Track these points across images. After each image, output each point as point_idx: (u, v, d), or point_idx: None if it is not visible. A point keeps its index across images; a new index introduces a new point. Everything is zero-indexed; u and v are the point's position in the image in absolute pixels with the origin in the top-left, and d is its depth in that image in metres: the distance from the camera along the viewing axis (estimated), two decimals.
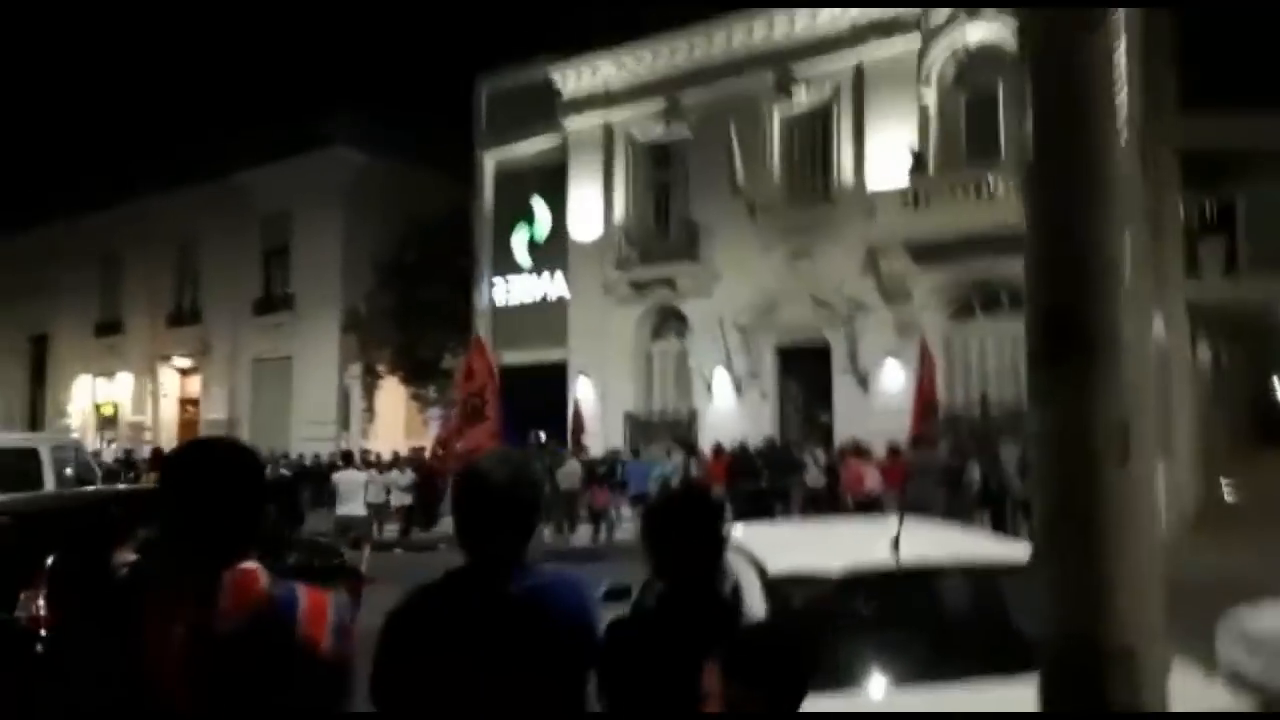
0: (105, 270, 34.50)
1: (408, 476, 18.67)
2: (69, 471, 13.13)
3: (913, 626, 3.59)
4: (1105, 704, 1.34)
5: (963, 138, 18.61)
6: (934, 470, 14.62)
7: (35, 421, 36.94)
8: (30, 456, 12.97)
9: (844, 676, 3.12)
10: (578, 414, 20.85)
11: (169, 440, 31.46)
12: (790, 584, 3.50)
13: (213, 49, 54.16)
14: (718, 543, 2.34)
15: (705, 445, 18.71)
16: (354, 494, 13.75)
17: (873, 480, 15.73)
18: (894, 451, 15.96)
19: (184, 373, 32.34)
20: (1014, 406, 17.41)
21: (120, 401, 33.74)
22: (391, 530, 17.78)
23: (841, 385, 19.43)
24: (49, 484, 12.70)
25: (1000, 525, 14.75)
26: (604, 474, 18.40)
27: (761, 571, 3.54)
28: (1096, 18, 1.39)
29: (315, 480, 24.23)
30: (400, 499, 17.95)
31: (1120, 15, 1.43)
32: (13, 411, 37.52)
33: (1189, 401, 17.56)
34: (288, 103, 46.32)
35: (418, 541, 17.37)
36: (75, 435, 33.50)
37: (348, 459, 15.12)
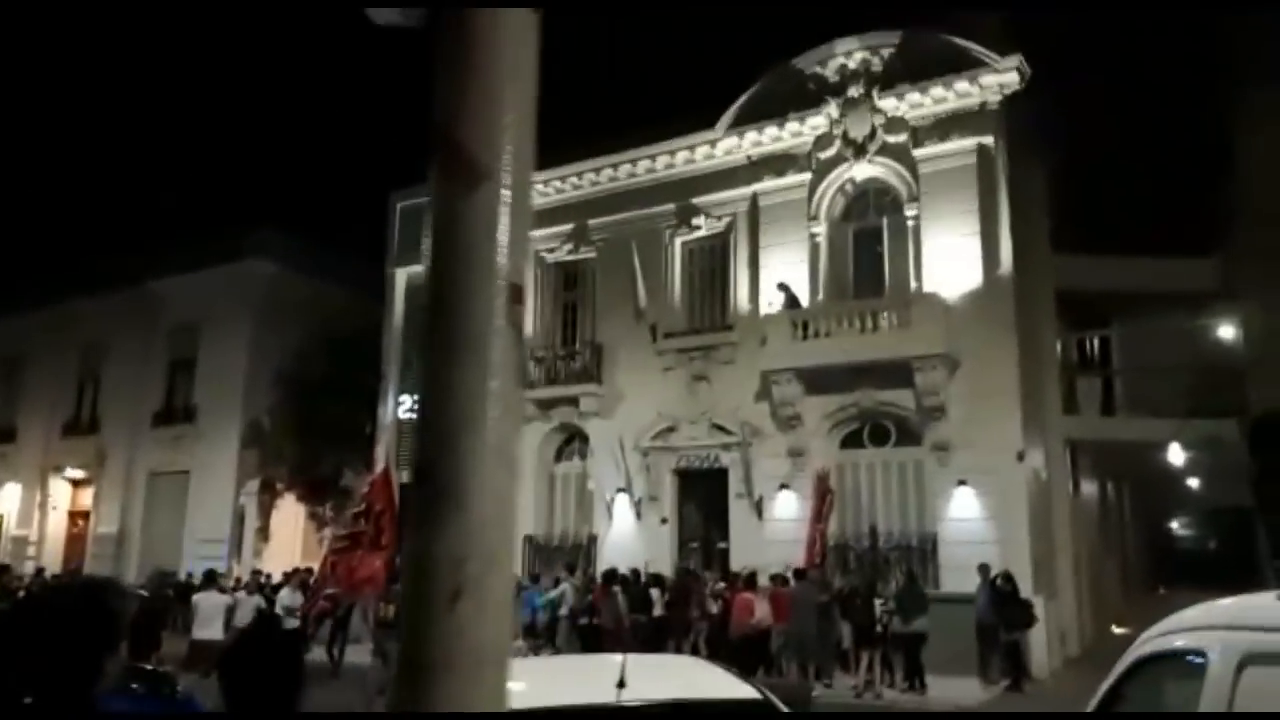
0: (5, 374, 33.45)
1: (297, 597, 17.49)
2: None
3: None
4: None
5: (850, 270, 19.18)
6: (812, 602, 14.40)
7: None
8: None
9: None
10: None
11: (53, 556, 29.97)
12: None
13: (135, 158, 54.45)
14: (296, 678, 2.31)
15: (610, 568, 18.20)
16: (213, 617, 13.07)
17: (761, 611, 15.45)
18: (781, 581, 15.74)
19: (76, 484, 31.06)
20: (903, 538, 17.47)
21: (5, 513, 32.15)
22: None
23: (737, 510, 19.30)
24: None
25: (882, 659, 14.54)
26: None
27: None
28: (479, 175, 1.36)
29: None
30: (290, 622, 16.83)
31: (506, 174, 1.39)
32: None
33: (1069, 540, 17.75)
34: (206, 215, 46.58)
35: None
36: None
37: (209, 579, 14.37)
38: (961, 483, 16.75)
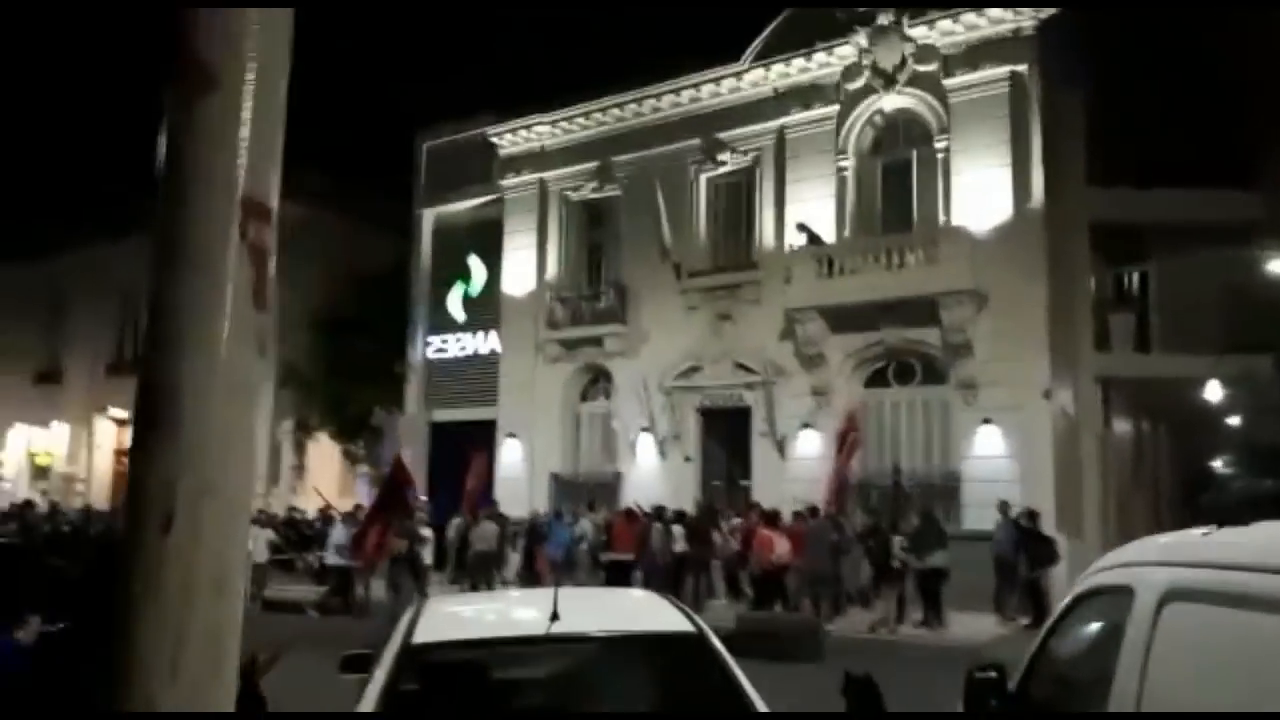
0: (50, 318, 34.21)
1: (341, 534, 17.02)
2: None
3: (521, 701, 3.46)
4: None
5: (878, 205, 18.76)
6: (827, 540, 14.38)
7: None
8: None
9: None
10: (480, 473, 20.40)
11: (101, 493, 30.91)
12: (423, 650, 3.60)
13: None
14: None
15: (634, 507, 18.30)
16: None
17: (782, 548, 15.48)
18: (802, 518, 15.74)
19: (120, 424, 31.82)
20: (925, 476, 17.33)
21: (53, 452, 33.17)
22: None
23: (759, 449, 19.27)
24: None
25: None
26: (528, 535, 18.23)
27: (406, 638, 3.66)
28: (209, 83, 1.26)
29: None
30: (335, 559, 17.07)
31: (246, 86, 1.29)
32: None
33: (1098, 480, 17.44)
34: None
35: (276, 601, 16.80)
36: (7, 485, 32.98)
37: None
38: (986, 421, 16.52)
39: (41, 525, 21.51)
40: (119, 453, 32.07)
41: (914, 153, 18.30)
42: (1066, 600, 3.24)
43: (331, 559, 17.14)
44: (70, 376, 33.28)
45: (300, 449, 27.82)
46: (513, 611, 4.08)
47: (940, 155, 17.68)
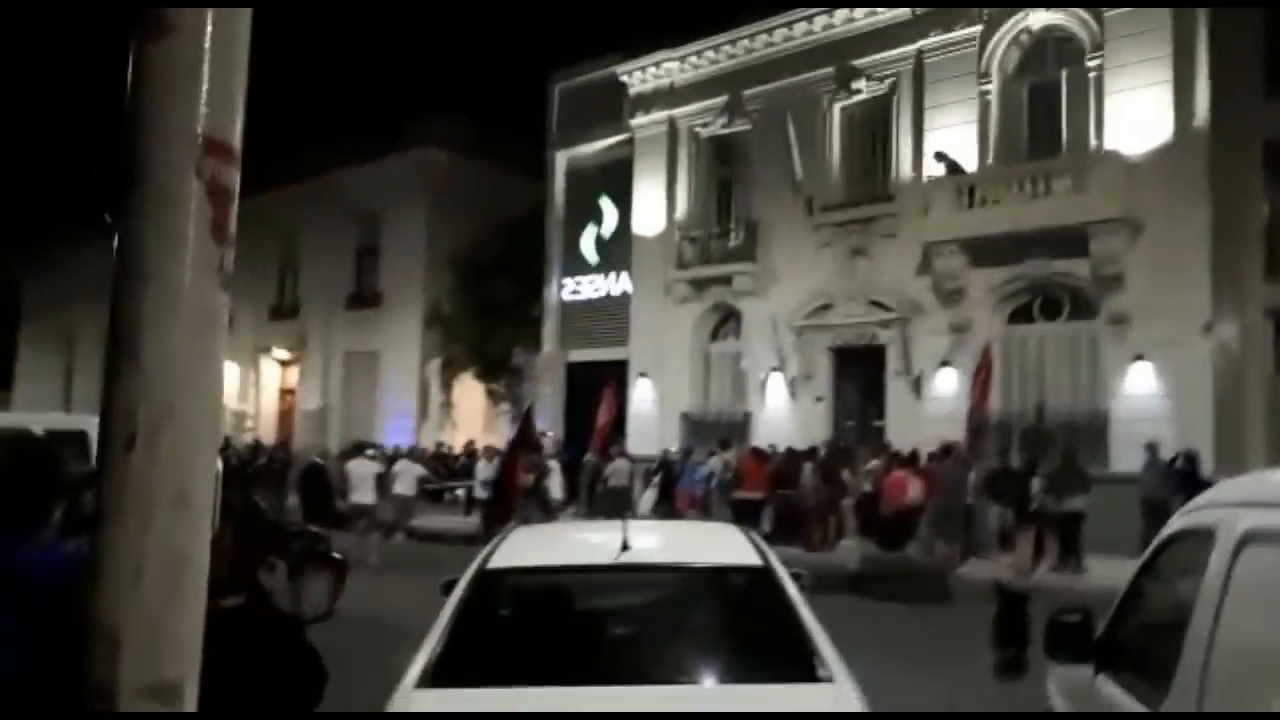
0: None
1: (486, 469, 18.08)
2: None
3: (583, 626, 3.56)
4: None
5: (1024, 130, 17.69)
6: (960, 481, 13.96)
7: None
8: (80, 439, 13.94)
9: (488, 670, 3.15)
10: (610, 408, 20.80)
11: (268, 428, 33.24)
12: (495, 575, 3.78)
13: (315, 54, 56.90)
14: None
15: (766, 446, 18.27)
16: (364, 483, 14.13)
17: (915, 490, 15.17)
18: (933, 459, 15.35)
19: (283, 364, 33.99)
20: (1071, 416, 16.55)
21: (227, 391, 35.74)
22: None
23: (895, 389, 18.78)
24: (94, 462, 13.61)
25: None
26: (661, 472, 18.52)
27: (482, 563, 3.82)
28: (166, 27, 1.32)
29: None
30: (481, 493, 17.79)
31: (206, 21, 1.34)
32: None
33: (1263, 421, 16.15)
34: (381, 107, 48.46)
35: (423, 531, 17.61)
36: None
37: (357, 449, 15.43)
38: (1139, 357, 15.54)
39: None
40: (282, 392, 34.35)
41: (1063, 73, 17.11)
42: (1156, 542, 3.06)
43: (479, 492, 17.93)
44: (238, 320, 35.65)
45: (447, 387, 28.99)
46: (589, 542, 4.17)
47: (1092, 74, 16.46)
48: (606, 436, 19.96)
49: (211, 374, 1.35)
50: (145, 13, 1.36)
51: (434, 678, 3.07)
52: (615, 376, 22.96)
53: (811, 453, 17.37)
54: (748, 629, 3.62)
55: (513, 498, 15.31)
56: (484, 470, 17.85)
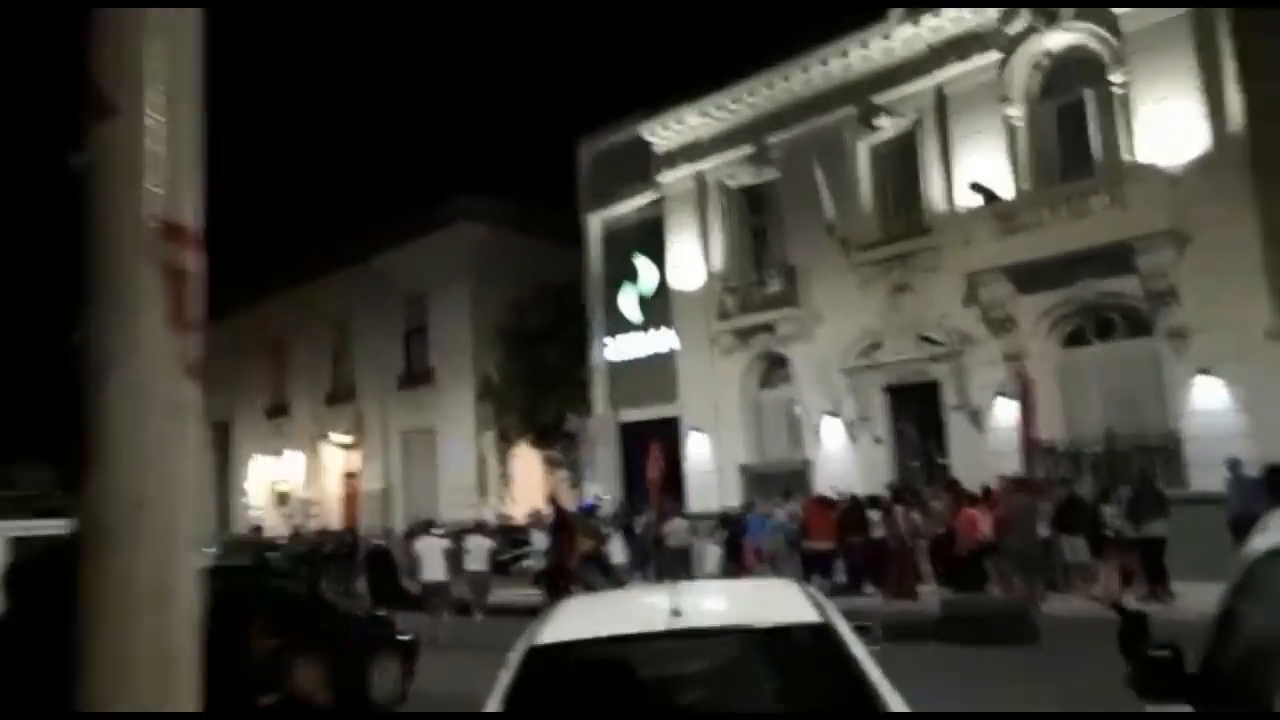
0: (274, 355, 37.49)
1: (540, 539, 18.19)
2: None
3: (636, 697, 3.43)
4: None
5: (1055, 152, 17.47)
6: (1032, 514, 13.50)
7: (223, 501, 40.37)
8: None
9: None
10: (658, 461, 20.68)
11: (334, 512, 33.59)
12: (550, 651, 3.66)
13: (343, 143, 58.62)
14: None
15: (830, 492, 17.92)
16: (434, 560, 14.10)
17: (986, 526, 14.76)
18: (999, 492, 14.93)
19: (344, 448, 34.44)
20: (1138, 438, 16.02)
21: (291, 479, 36.29)
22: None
23: (954, 423, 18.40)
24: None
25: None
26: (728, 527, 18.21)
27: (530, 639, 3.75)
28: (108, 110, 1.32)
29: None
30: (536, 561, 17.85)
31: (153, 99, 1.34)
32: (206, 492, 41.16)
33: None
34: (417, 188, 49.68)
35: (492, 606, 17.43)
36: (256, 512, 36.44)
37: (424, 527, 15.46)
38: (1203, 371, 15.03)
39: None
40: (346, 475, 34.75)
41: (1088, 91, 16.92)
42: (1247, 562, 2.87)
43: (532, 562, 17.81)
44: (295, 408, 36.33)
45: (503, 458, 29.08)
46: (640, 608, 4.05)
47: (1118, 90, 16.25)
48: (660, 490, 19.80)
49: (183, 464, 1.32)
50: (89, 90, 1.34)
51: None
52: (667, 433, 22.88)
53: (878, 499, 16.99)
54: (808, 689, 3.48)
55: (568, 566, 15.29)
56: (538, 539, 17.78)
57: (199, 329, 1.39)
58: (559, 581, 16.32)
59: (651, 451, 20.56)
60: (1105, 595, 12.98)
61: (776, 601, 4.19)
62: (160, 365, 1.33)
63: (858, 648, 3.42)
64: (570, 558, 14.70)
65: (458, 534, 18.33)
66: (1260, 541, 2.88)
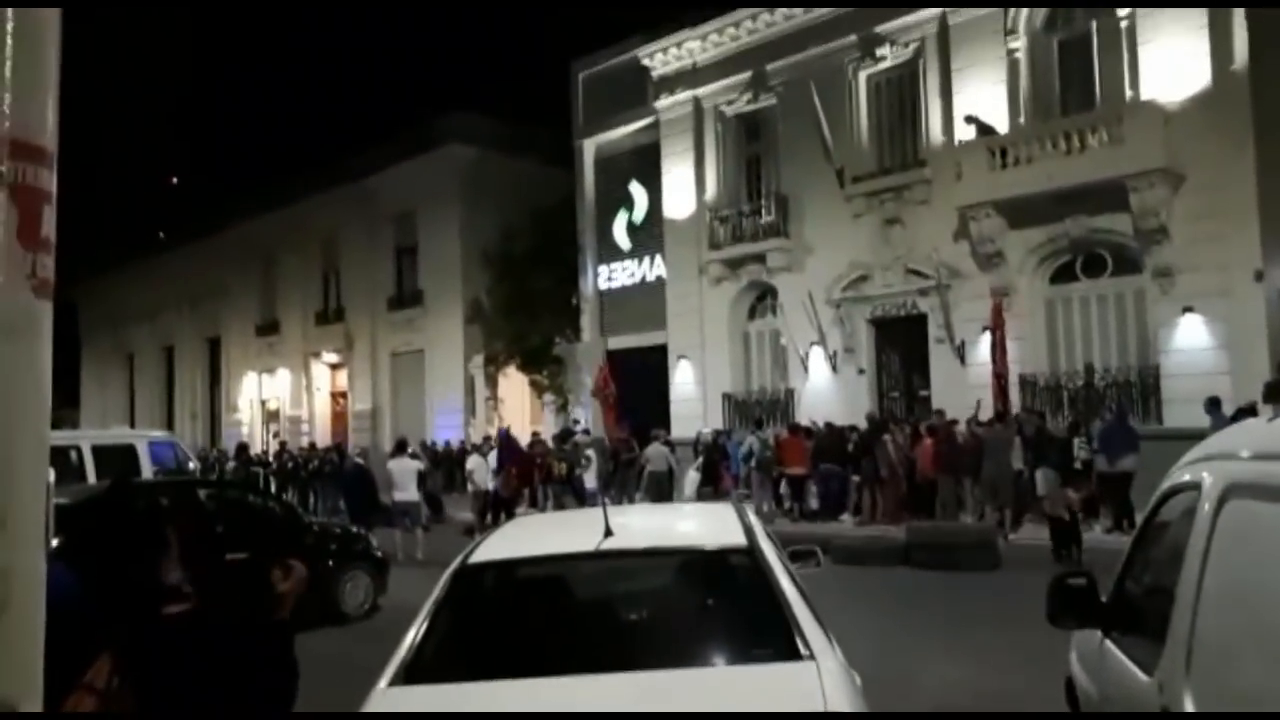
0: (265, 273, 37.26)
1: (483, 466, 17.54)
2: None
3: (562, 616, 3.55)
4: None
5: (1056, 86, 17.23)
6: (1004, 446, 13.70)
7: (213, 418, 40.55)
8: (129, 452, 14.34)
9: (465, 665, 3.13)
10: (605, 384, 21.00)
11: (322, 431, 33.80)
12: (478, 570, 3.76)
13: (337, 60, 57.44)
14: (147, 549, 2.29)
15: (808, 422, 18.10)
16: (407, 481, 14.24)
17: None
18: (978, 424, 15.11)
19: (333, 367, 34.52)
20: (1120, 374, 16.18)
21: (280, 397, 36.43)
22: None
23: (938, 356, 18.50)
24: (146, 474, 14.02)
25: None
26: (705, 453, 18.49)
27: (464, 558, 3.81)
28: None
29: (447, 465, 25.60)
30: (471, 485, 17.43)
31: (6, 19, 1.28)
32: (195, 408, 41.34)
33: None
34: (405, 108, 48.92)
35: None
36: (245, 429, 36.65)
37: (400, 448, 15.51)
38: (1188, 310, 15.10)
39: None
40: (334, 395, 34.91)
41: (1093, 24, 16.61)
42: (1154, 499, 2.95)
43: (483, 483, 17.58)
44: (285, 326, 36.27)
45: (492, 382, 29.18)
46: (576, 530, 4.11)
47: (1124, 23, 15.97)
48: (615, 418, 20.09)
49: (32, 384, 1.26)
50: None
51: (408, 675, 3.07)
52: (656, 360, 22.98)
53: (855, 427, 17.20)
54: (730, 611, 3.55)
55: (505, 495, 15.66)
56: (477, 466, 17.30)
57: (50, 249, 1.34)
58: (498, 511, 16.02)
59: (599, 374, 21.08)
60: (1052, 509, 13.17)
61: (710, 526, 4.27)
62: (10, 282, 1.25)
63: (780, 570, 3.47)
64: (508, 488, 14.92)
65: (458, 455, 18.21)
66: (1167, 479, 2.95)
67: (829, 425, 17.29)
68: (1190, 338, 15.15)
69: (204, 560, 2.19)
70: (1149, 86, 15.46)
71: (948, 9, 18.13)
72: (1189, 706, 2.18)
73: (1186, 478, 2.61)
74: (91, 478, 13.03)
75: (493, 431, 23.70)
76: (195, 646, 1.95)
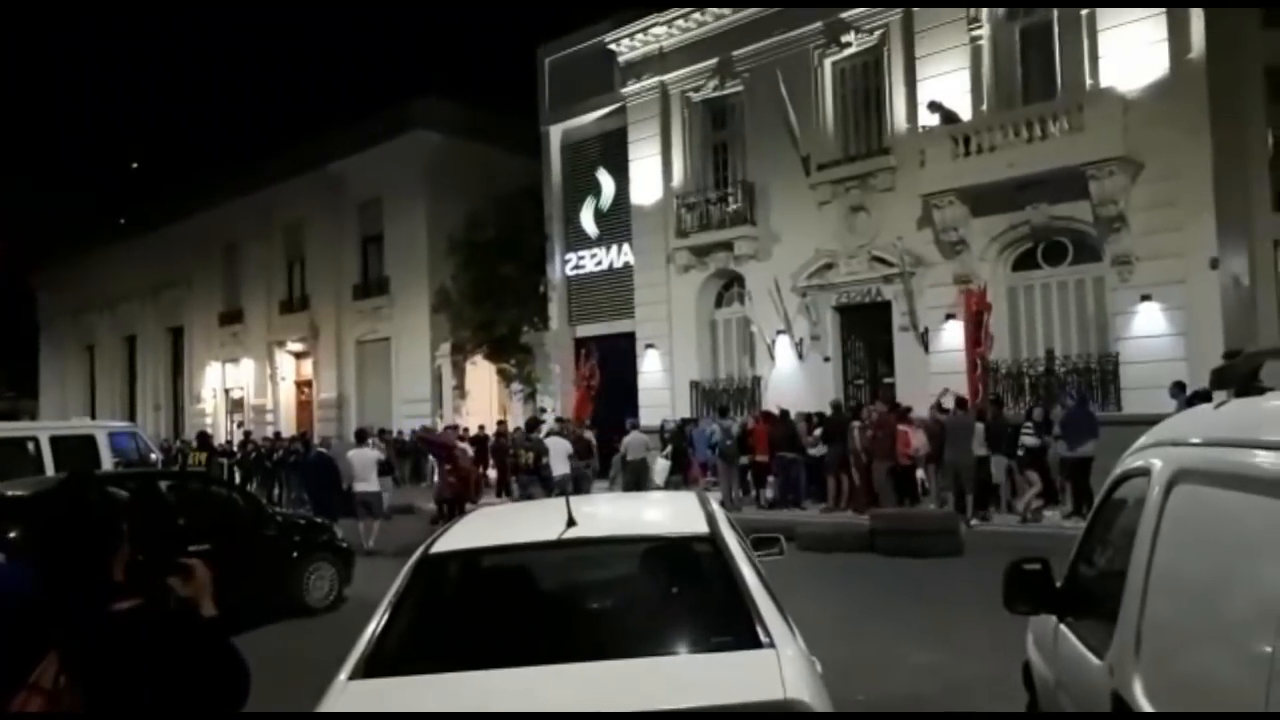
0: (228, 261, 36.76)
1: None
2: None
3: (525, 606, 3.55)
4: None
5: (1018, 73, 17.39)
6: (968, 432, 13.85)
7: (177, 408, 40.00)
8: (89, 442, 14.10)
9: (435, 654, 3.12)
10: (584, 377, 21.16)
11: (287, 421, 33.45)
12: (441, 559, 3.73)
13: (301, 47, 56.69)
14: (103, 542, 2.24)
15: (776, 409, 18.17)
16: (367, 471, 14.15)
17: (919, 441, 15.15)
18: (941, 410, 15.27)
19: (297, 356, 34.15)
20: (1080, 360, 16.42)
21: (244, 386, 36.00)
22: None
23: (902, 343, 18.66)
24: (106, 465, 13.80)
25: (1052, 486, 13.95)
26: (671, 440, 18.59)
27: (425, 548, 3.79)
28: None
29: (412, 456, 25.50)
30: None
31: None
32: (159, 398, 40.74)
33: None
34: (371, 94, 48.32)
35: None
36: (209, 419, 36.17)
37: (360, 438, 15.41)
38: (1145, 297, 15.34)
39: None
40: (298, 384, 34.54)
41: (1055, 12, 16.76)
42: (1106, 483, 3.00)
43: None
44: (249, 314, 35.82)
45: (458, 370, 29.03)
46: (540, 520, 4.11)
47: (1084, 11, 16.13)
48: (584, 409, 20.20)
49: None
50: None
51: (368, 668, 3.05)
52: (623, 349, 22.96)
53: (820, 414, 17.30)
54: (692, 599, 3.57)
55: (446, 493, 15.69)
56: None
57: None
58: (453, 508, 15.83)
59: (589, 363, 21.24)
60: (1024, 506, 13.42)
61: (673, 514, 4.29)
62: None
63: (742, 558, 3.49)
64: (449, 488, 14.90)
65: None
66: (1118, 465, 3.00)
67: (783, 413, 17.37)
68: (1148, 325, 15.40)
69: (145, 555, 2.15)
70: (1109, 74, 15.64)
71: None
72: (1138, 690, 2.23)
73: (1138, 463, 2.65)
74: (50, 469, 12.82)
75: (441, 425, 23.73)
76: (143, 644, 1.92)
